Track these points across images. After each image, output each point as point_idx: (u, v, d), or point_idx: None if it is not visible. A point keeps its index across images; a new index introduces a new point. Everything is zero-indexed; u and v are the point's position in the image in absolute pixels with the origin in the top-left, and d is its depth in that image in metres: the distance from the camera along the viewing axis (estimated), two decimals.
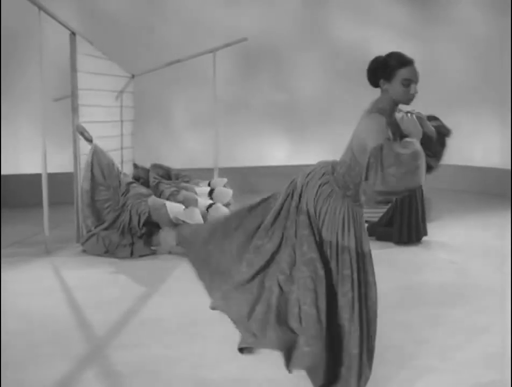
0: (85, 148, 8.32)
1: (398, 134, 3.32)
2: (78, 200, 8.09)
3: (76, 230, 8.22)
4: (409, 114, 3.36)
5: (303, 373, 3.41)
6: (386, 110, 3.27)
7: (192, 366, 4.20)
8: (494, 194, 12.18)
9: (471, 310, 5.38)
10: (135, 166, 8.51)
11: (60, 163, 10.66)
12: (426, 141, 3.42)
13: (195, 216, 7.61)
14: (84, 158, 8.20)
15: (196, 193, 8.39)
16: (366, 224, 8.22)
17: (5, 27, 11.12)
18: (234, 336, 3.73)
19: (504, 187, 12.14)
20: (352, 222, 3.37)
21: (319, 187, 3.38)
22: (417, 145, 3.09)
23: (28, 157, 11.29)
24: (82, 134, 7.94)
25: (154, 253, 7.60)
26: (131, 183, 8.12)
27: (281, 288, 3.42)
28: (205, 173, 10.01)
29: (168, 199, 8.10)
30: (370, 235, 8.09)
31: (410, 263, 7.24)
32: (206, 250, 3.79)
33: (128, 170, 9.99)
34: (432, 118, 3.59)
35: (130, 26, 12.15)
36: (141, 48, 11.98)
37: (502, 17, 12.49)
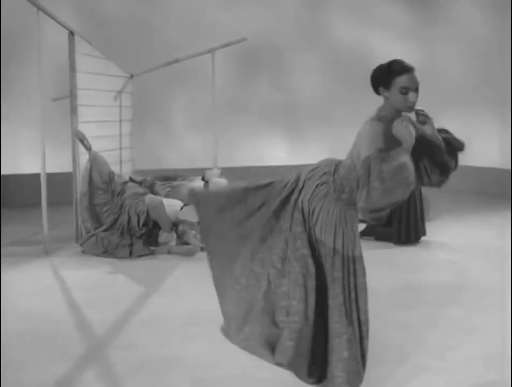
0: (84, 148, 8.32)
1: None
2: (77, 200, 8.08)
3: (75, 230, 8.21)
4: (402, 120, 3.30)
5: None
6: (387, 118, 3.26)
7: (192, 366, 4.20)
8: (493, 194, 12.18)
9: (470, 310, 5.37)
10: (131, 179, 8.46)
11: (59, 163, 10.65)
12: (428, 149, 3.40)
13: (194, 214, 7.60)
14: (83, 158, 8.19)
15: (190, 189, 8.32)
16: (365, 225, 8.22)
17: (4, 27, 11.10)
18: None
19: (503, 187, 12.14)
20: (344, 225, 3.36)
21: (316, 186, 3.39)
22: (403, 158, 3.08)
23: (28, 157, 11.27)
24: (81, 141, 7.93)
25: (152, 253, 7.59)
26: (125, 182, 8.09)
27: (269, 282, 3.43)
28: None
29: None
30: (369, 235, 8.13)
31: (409, 263, 7.23)
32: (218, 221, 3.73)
33: (127, 169, 9.99)
34: (443, 131, 3.54)
35: (129, 26, 12.14)
36: (140, 48, 11.97)
37: (501, 17, 12.49)
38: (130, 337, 4.76)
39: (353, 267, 3.36)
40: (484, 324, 5.01)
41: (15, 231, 8.89)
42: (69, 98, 8.30)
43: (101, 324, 5.02)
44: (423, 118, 3.40)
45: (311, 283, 3.34)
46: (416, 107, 3.35)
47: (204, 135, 11.87)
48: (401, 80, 3.23)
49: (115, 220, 7.70)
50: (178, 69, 11.02)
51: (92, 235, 7.63)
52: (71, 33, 8.12)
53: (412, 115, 3.41)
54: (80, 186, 7.94)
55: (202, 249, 7.64)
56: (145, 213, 7.63)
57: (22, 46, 11.16)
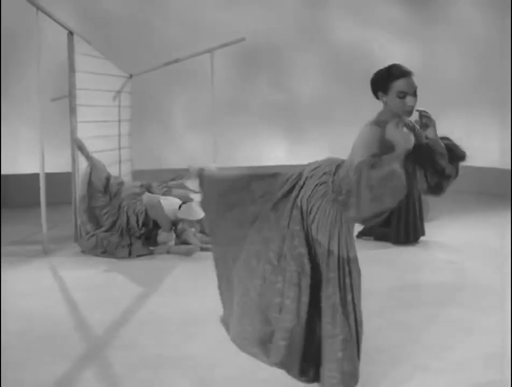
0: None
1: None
2: (76, 200, 8.08)
3: (74, 230, 8.21)
4: (395, 123, 3.26)
5: None
6: (386, 123, 3.25)
7: (191, 366, 4.19)
8: (493, 194, 12.18)
9: (470, 310, 5.37)
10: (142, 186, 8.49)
11: (58, 163, 10.65)
12: (428, 155, 3.38)
13: (193, 212, 7.60)
14: (82, 158, 8.19)
15: (187, 188, 8.27)
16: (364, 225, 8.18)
17: (3, 27, 11.10)
18: None
19: (503, 187, 12.14)
20: (339, 226, 3.35)
21: (315, 186, 3.38)
22: (392, 165, 3.05)
23: (27, 157, 11.27)
24: (80, 148, 7.93)
25: (151, 253, 7.59)
26: (121, 183, 8.07)
27: (265, 278, 3.43)
28: None
29: None
30: (368, 235, 8.13)
31: (408, 263, 7.23)
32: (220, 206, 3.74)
33: (126, 169, 9.99)
34: (444, 138, 3.51)
35: (129, 25, 12.13)
36: (139, 48, 11.97)
37: (501, 17, 12.49)
38: (129, 337, 4.76)
39: (348, 269, 3.36)
40: (484, 324, 5.00)
41: (14, 231, 8.88)
42: (68, 98, 8.30)
43: (101, 324, 5.01)
44: (426, 120, 3.38)
45: (306, 282, 3.34)
46: (419, 108, 3.34)
47: (203, 135, 11.88)
48: (398, 85, 3.23)
49: (115, 222, 7.68)
50: (177, 68, 11.02)
51: (92, 235, 7.62)
52: (71, 33, 8.12)
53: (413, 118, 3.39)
54: (79, 189, 7.93)
55: (201, 249, 7.64)
56: (143, 212, 7.62)
57: (22, 46, 11.16)
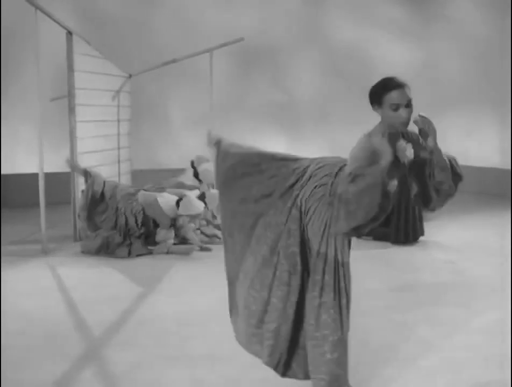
0: (82, 147, 8.31)
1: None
2: (75, 200, 8.07)
3: (73, 230, 8.21)
4: (381, 133, 3.18)
5: None
6: (383, 135, 3.21)
7: (190, 366, 4.18)
8: (492, 194, 12.17)
9: (469, 310, 5.36)
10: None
11: (58, 162, 10.63)
12: (425, 168, 3.34)
13: (192, 207, 7.58)
14: (81, 158, 8.20)
15: (183, 186, 8.24)
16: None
17: (2, 26, 11.08)
18: (231, 335, 3.72)
19: (502, 187, 12.13)
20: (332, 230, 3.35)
21: (314, 187, 3.37)
22: (371, 179, 3.02)
23: (27, 156, 11.27)
24: (74, 169, 7.95)
25: (150, 253, 7.58)
26: (116, 186, 8.06)
27: (259, 268, 3.46)
28: None
29: None
30: (367, 235, 8.09)
31: (407, 263, 7.22)
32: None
33: (125, 169, 9.99)
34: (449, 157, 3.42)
35: (128, 25, 12.13)
36: (138, 48, 11.96)
37: (501, 17, 12.49)
38: (128, 336, 4.75)
39: (342, 272, 3.36)
40: (483, 324, 5.00)
41: (14, 231, 8.88)
42: (67, 98, 8.30)
43: (99, 324, 5.01)
44: (426, 127, 3.30)
45: (296, 282, 3.36)
46: (421, 114, 3.30)
47: (202, 135, 11.83)
48: (391, 97, 3.18)
49: (114, 225, 7.65)
50: (176, 68, 11.01)
51: (96, 236, 7.59)
52: (69, 33, 8.11)
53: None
54: (80, 199, 7.91)
55: (201, 248, 7.64)
56: (141, 211, 7.62)
57: (21, 46, 11.15)
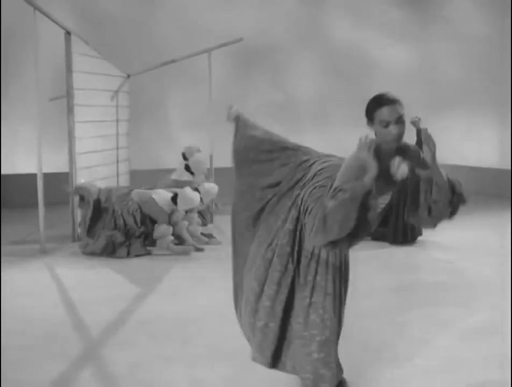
0: (80, 147, 8.31)
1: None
2: (74, 200, 8.07)
3: (72, 230, 8.20)
4: (367, 146, 3.14)
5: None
6: (377, 151, 3.14)
7: (188, 366, 4.18)
8: (491, 195, 12.17)
9: (469, 310, 5.36)
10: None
11: (57, 163, 10.63)
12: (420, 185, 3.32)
13: (189, 200, 7.57)
14: (80, 158, 8.20)
15: (174, 181, 8.20)
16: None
17: (1, 27, 11.07)
18: (230, 335, 3.72)
19: (502, 187, 12.14)
20: None
21: (314, 188, 3.37)
22: (345, 194, 2.98)
23: (26, 157, 11.26)
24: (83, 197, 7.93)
25: (149, 253, 7.58)
26: (110, 190, 8.05)
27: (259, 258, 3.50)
28: None
29: None
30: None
31: (405, 263, 7.22)
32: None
33: (123, 169, 9.98)
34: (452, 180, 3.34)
35: (126, 25, 12.12)
36: (137, 48, 11.95)
37: (500, 16, 12.49)
38: (127, 337, 4.74)
39: (332, 275, 3.37)
40: (484, 324, 4.99)
41: (14, 231, 8.88)
42: (66, 98, 8.29)
43: (98, 324, 5.00)
44: (425, 137, 3.26)
45: (286, 282, 3.38)
46: (422, 127, 3.23)
47: (200, 135, 11.84)
48: (380, 114, 3.11)
49: (114, 227, 7.64)
50: (175, 68, 11.01)
51: (98, 237, 7.57)
52: (68, 33, 8.11)
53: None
54: (82, 212, 7.90)
55: (197, 249, 7.64)
56: (138, 210, 7.62)
57: (19, 46, 11.14)
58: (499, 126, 12.73)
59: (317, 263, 3.34)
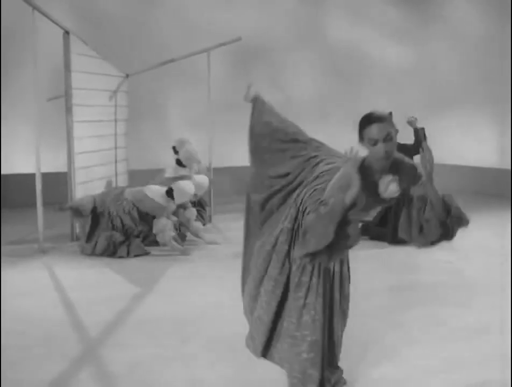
0: (79, 147, 8.29)
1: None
2: (74, 201, 8.06)
3: (71, 230, 8.19)
4: (354, 162, 3.09)
5: None
6: (367, 165, 3.17)
7: (187, 366, 4.17)
8: (491, 194, 12.17)
9: (468, 310, 5.35)
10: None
11: (55, 162, 10.61)
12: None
13: (185, 192, 7.55)
14: (79, 158, 8.19)
15: (168, 179, 8.15)
16: (360, 224, 8.20)
17: (1, 27, 11.06)
18: (229, 335, 3.71)
19: (501, 187, 12.14)
20: None
21: (313, 190, 3.37)
22: (326, 209, 3.02)
23: (25, 157, 11.24)
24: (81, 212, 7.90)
25: (148, 253, 7.57)
26: (103, 193, 8.04)
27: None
28: None
29: None
30: (363, 234, 8.09)
31: (405, 263, 7.21)
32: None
33: (122, 169, 9.97)
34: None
35: (125, 25, 12.11)
36: (135, 48, 11.94)
37: (500, 17, 12.49)
38: (125, 337, 4.73)
39: (328, 278, 3.40)
40: (483, 324, 4.99)
41: (13, 230, 8.87)
42: (64, 98, 8.28)
43: (97, 324, 4.99)
44: (424, 148, 3.26)
45: (282, 278, 3.42)
46: (419, 127, 3.23)
47: (199, 135, 11.83)
48: (369, 132, 3.10)
49: (112, 228, 7.62)
50: (174, 68, 11.00)
51: (98, 237, 7.56)
52: (67, 33, 8.09)
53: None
54: (80, 222, 7.89)
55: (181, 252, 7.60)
56: (134, 208, 7.61)
57: (18, 45, 11.13)
58: (499, 126, 12.73)
59: (311, 265, 3.35)
